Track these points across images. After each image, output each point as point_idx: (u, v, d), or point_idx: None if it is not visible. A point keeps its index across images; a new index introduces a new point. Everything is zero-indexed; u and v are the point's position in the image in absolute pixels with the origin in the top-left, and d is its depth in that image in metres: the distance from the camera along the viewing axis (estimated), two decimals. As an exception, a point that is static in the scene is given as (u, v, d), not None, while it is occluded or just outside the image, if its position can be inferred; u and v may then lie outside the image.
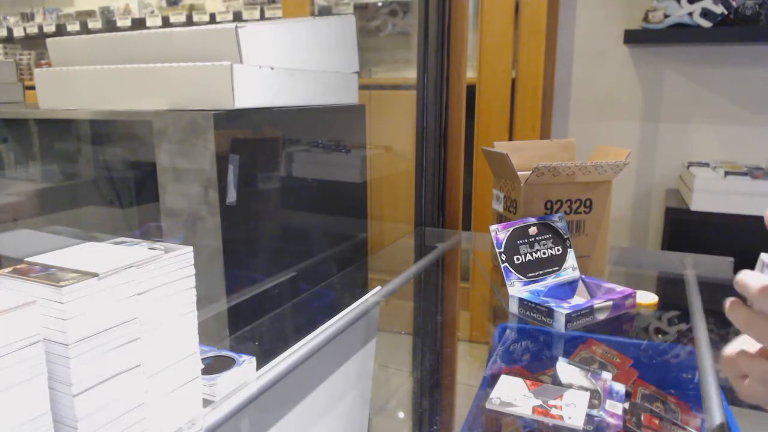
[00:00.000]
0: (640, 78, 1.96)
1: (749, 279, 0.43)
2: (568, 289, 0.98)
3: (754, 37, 1.75)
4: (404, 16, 2.33)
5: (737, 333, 0.51)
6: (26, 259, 0.49)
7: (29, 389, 0.43)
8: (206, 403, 0.61)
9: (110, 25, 3.31)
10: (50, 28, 3.45)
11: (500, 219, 1.12)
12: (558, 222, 1.01)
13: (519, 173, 1.04)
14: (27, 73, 3.39)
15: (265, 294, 0.96)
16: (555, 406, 0.67)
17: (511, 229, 0.98)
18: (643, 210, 2.03)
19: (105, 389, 0.47)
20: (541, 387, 0.71)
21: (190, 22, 3.06)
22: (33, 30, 3.53)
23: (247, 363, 0.67)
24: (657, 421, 0.68)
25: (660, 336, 0.92)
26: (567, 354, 0.82)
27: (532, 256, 0.98)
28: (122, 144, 1.04)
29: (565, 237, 1.01)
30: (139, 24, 3.22)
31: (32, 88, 1.09)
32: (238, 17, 2.92)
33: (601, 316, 0.89)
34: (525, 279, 0.96)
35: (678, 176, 1.92)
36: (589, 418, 0.65)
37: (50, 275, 0.45)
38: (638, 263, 1.32)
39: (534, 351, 0.85)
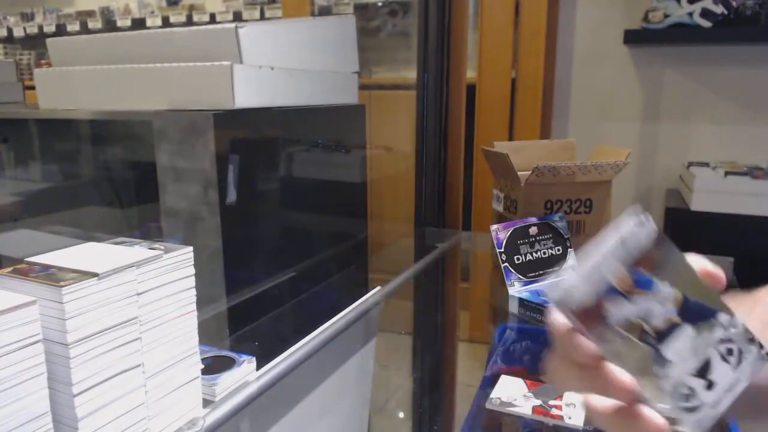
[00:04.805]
0: (640, 78, 1.96)
1: (553, 322, 0.36)
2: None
3: (754, 37, 1.75)
4: (404, 16, 2.33)
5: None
6: (26, 259, 0.49)
7: (29, 389, 0.43)
8: (206, 403, 0.61)
9: (110, 25, 3.31)
10: (50, 28, 3.45)
11: (500, 219, 1.12)
12: (558, 222, 1.01)
13: (519, 173, 1.04)
14: (27, 73, 3.38)
15: (265, 294, 0.96)
16: (555, 406, 0.67)
17: (512, 229, 0.98)
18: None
19: (105, 389, 0.47)
20: (541, 387, 0.71)
21: (190, 22, 3.06)
22: (33, 30, 3.53)
23: (247, 363, 0.67)
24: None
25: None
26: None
27: (532, 256, 0.98)
28: (122, 144, 1.04)
29: (566, 237, 1.01)
30: (139, 24, 3.21)
31: (32, 88, 1.09)
32: (238, 17, 2.92)
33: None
34: (525, 279, 0.96)
35: (678, 176, 1.91)
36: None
37: (50, 275, 0.45)
38: (638, 263, 1.32)
39: (534, 351, 0.85)
